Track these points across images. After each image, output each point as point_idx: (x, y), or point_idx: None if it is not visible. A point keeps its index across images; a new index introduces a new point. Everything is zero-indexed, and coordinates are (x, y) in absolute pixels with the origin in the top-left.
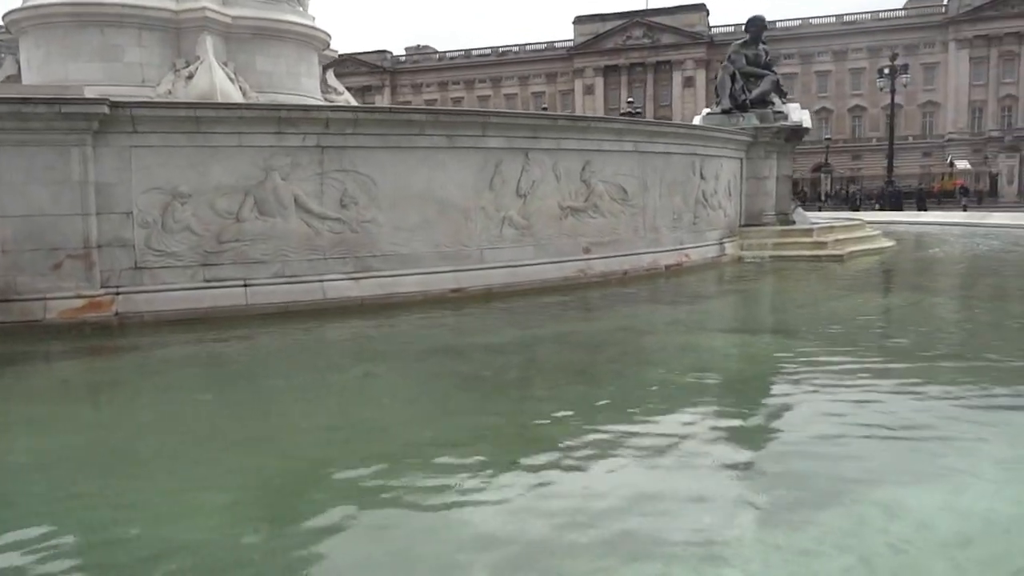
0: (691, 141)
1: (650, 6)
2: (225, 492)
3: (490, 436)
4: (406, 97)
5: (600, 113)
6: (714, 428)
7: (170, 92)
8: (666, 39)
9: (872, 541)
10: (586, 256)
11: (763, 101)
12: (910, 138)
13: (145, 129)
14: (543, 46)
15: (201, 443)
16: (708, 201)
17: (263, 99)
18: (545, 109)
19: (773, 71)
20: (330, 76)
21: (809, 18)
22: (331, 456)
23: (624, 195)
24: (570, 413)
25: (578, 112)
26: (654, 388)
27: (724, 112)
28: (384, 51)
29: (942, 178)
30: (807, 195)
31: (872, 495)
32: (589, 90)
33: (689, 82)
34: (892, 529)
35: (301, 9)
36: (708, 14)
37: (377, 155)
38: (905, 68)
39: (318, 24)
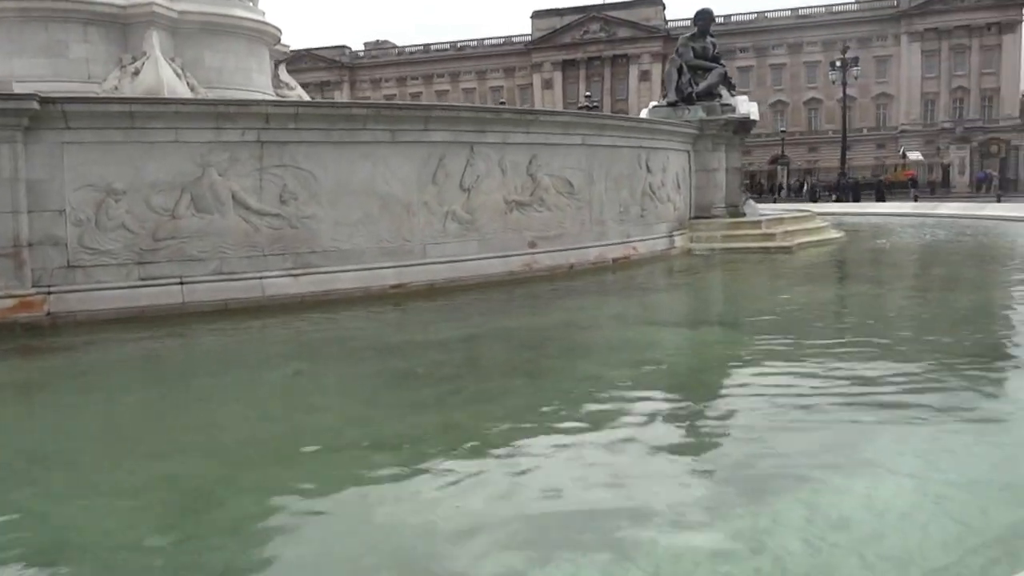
0: (637, 134)
1: (607, 1)
2: (134, 495)
3: (414, 435)
4: (365, 92)
5: (559, 107)
6: (640, 425)
7: (116, 88)
8: (623, 33)
9: (787, 540)
10: (532, 250)
11: (710, 94)
12: (864, 130)
13: (78, 125)
14: (501, 41)
15: (118, 444)
16: (655, 194)
17: (212, 94)
18: (502, 103)
19: (721, 64)
20: (282, 71)
21: (764, 12)
22: (249, 457)
23: (570, 188)
24: (500, 409)
25: (536, 106)
26: (588, 383)
27: (671, 105)
28: (343, 46)
29: (895, 169)
30: (763, 187)
31: (790, 491)
32: (547, 84)
33: (645, 76)
34: (809, 527)
35: (251, 4)
36: (664, 8)
37: (318, 150)
38: (856, 61)
39: (269, 19)
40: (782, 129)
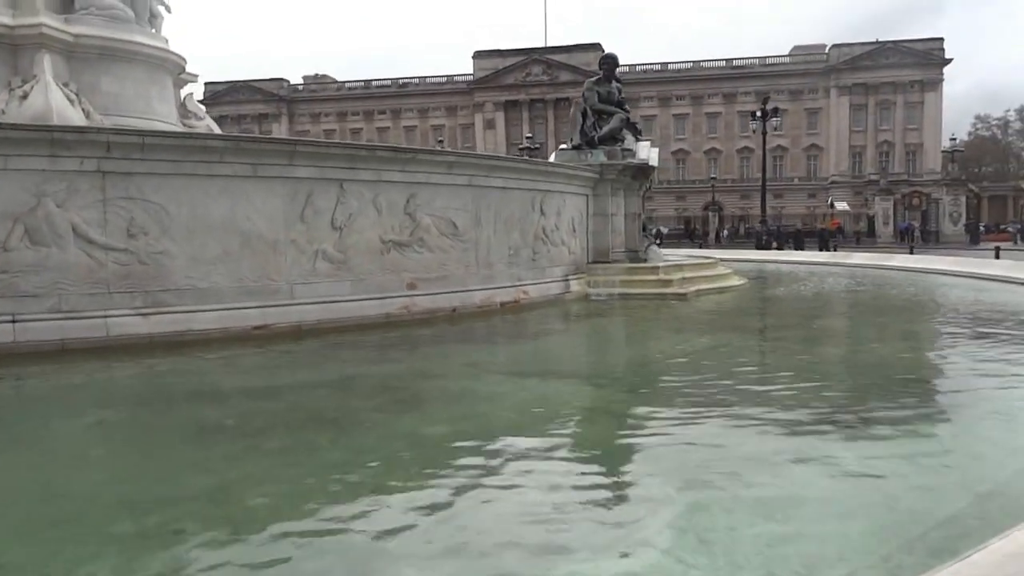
0: (532, 176)
1: (549, 44)
2: None
3: (172, 498)
4: (304, 127)
5: (501, 148)
6: (431, 489)
7: (3, 111)
8: (564, 76)
9: None
10: (411, 292)
11: (613, 138)
12: (796, 179)
13: None
14: (444, 79)
15: None
16: (549, 237)
17: (108, 122)
18: (441, 142)
19: (625, 109)
20: (190, 101)
21: (700, 61)
22: None
23: (454, 229)
24: (285, 472)
25: (479, 148)
26: (397, 442)
27: (575, 148)
28: (281, 79)
29: (823, 219)
30: (696, 232)
31: (554, 568)
32: (490, 124)
33: None
34: None
35: (153, 31)
36: (603, 53)
37: (170, 182)
38: (775, 112)
39: (173, 47)
40: (712, 176)
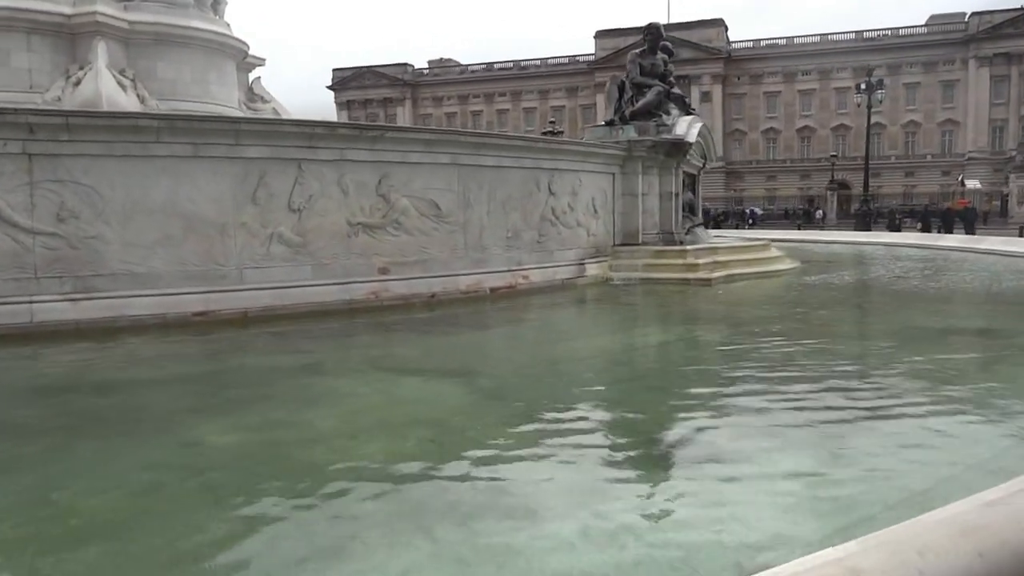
0: (533, 155)
1: (671, 21)
2: None
3: None
4: (427, 110)
5: None
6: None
7: (59, 99)
8: (684, 54)
9: None
10: (382, 277)
11: (649, 113)
12: (929, 156)
13: None
14: (565, 60)
15: None
16: (560, 219)
17: (164, 107)
18: (553, 123)
19: (669, 82)
20: (257, 85)
21: (827, 34)
22: None
23: (437, 210)
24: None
25: None
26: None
27: (608, 124)
28: (405, 64)
29: (951, 197)
30: (809, 212)
31: None
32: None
33: (706, 97)
34: None
35: (212, 15)
36: (727, 29)
37: (103, 164)
38: (880, 84)
39: (235, 32)
40: (832, 154)
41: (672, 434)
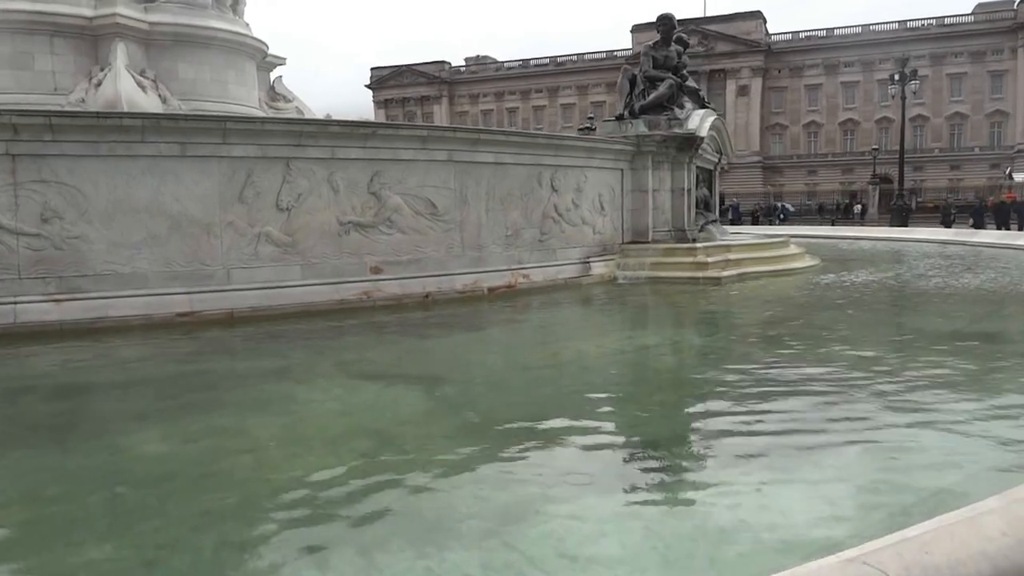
0: (534, 150)
1: (708, 14)
2: None
3: None
4: (463, 108)
5: None
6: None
7: (83, 100)
8: (722, 47)
9: None
10: (375, 277)
11: (660, 107)
12: (976, 149)
13: None
14: (603, 55)
15: None
16: (564, 216)
17: (185, 107)
18: (591, 118)
19: (682, 75)
20: (279, 84)
21: (870, 24)
22: None
23: (433, 209)
24: None
25: None
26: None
27: (618, 118)
28: (443, 62)
29: (997, 191)
30: (850, 207)
31: None
32: None
33: (743, 91)
34: None
35: (232, 16)
36: (765, 22)
37: (86, 164)
38: (914, 75)
39: (256, 32)
40: (874, 148)
41: (625, 453)
